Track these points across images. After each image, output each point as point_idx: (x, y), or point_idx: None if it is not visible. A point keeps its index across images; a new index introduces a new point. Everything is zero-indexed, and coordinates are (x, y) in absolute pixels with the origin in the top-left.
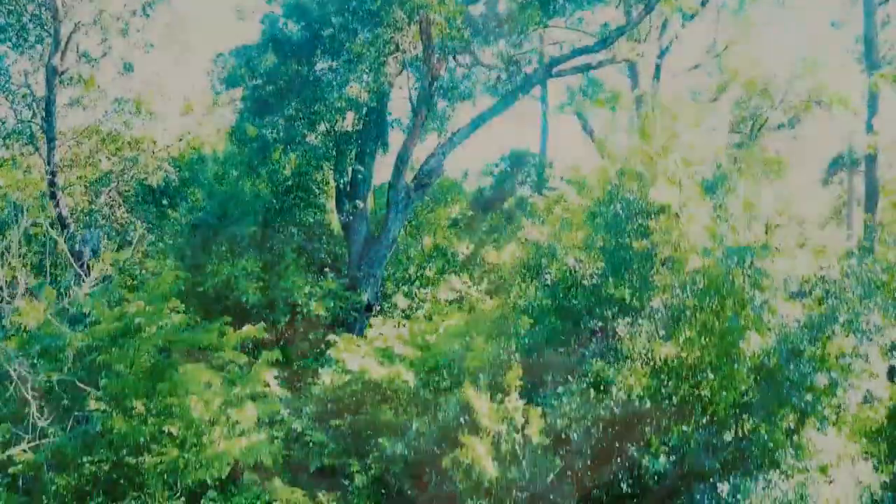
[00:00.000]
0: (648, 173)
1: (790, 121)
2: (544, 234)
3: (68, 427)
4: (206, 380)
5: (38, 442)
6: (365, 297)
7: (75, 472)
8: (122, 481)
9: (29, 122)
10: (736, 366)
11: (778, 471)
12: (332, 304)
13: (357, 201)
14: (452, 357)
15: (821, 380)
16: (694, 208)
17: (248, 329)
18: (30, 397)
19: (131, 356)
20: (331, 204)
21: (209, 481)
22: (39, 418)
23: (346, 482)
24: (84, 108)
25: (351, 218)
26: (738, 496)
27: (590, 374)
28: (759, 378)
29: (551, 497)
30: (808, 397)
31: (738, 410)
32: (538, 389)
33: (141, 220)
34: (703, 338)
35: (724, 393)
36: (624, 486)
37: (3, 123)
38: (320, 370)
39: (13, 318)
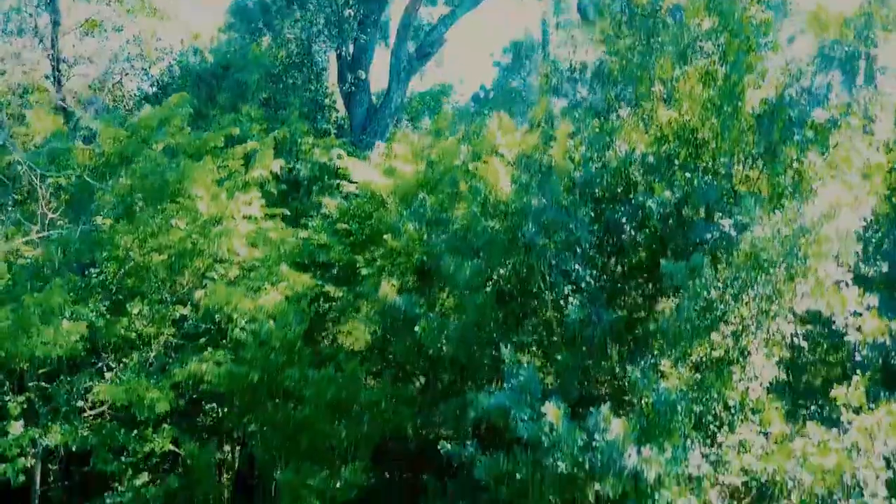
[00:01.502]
0: None
1: None
2: None
3: (77, 230)
4: (213, 176)
5: (46, 233)
6: None
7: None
8: (128, 281)
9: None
10: (735, 121)
11: (780, 212)
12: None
13: (359, 71)
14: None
15: (821, 115)
16: None
17: (251, 144)
18: (39, 188)
19: (139, 163)
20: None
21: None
22: (48, 212)
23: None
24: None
25: (353, 88)
26: (741, 229)
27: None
28: (759, 123)
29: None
30: (809, 133)
31: (738, 161)
32: None
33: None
34: (705, 88)
35: (724, 147)
36: (629, 228)
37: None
38: (325, 199)
39: (20, 130)
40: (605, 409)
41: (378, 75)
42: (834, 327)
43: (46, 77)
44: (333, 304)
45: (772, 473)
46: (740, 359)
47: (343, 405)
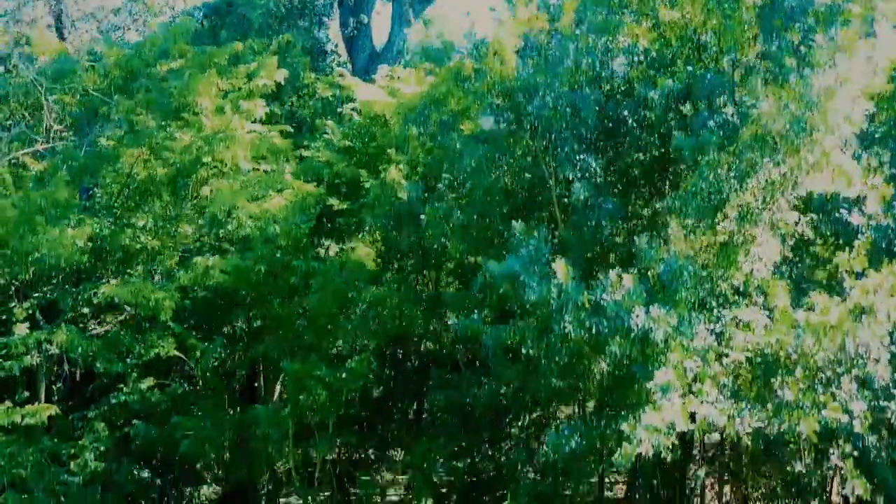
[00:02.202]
0: None
1: None
2: None
3: (83, 145)
4: (217, 90)
5: (51, 145)
6: None
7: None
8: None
9: None
10: (736, 14)
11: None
12: None
13: (361, 15)
14: None
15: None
16: None
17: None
18: (45, 101)
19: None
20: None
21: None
22: (53, 123)
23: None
24: None
25: (355, 33)
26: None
27: None
28: (761, 15)
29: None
30: (811, 21)
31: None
32: None
33: None
34: None
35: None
36: (631, 121)
37: None
38: (328, 122)
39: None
40: (612, 273)
41: (380, 22)
42: (838, 214)
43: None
44: (339, 219)
45: (775, 346)
46: (745, 243)
47: (349, 302)
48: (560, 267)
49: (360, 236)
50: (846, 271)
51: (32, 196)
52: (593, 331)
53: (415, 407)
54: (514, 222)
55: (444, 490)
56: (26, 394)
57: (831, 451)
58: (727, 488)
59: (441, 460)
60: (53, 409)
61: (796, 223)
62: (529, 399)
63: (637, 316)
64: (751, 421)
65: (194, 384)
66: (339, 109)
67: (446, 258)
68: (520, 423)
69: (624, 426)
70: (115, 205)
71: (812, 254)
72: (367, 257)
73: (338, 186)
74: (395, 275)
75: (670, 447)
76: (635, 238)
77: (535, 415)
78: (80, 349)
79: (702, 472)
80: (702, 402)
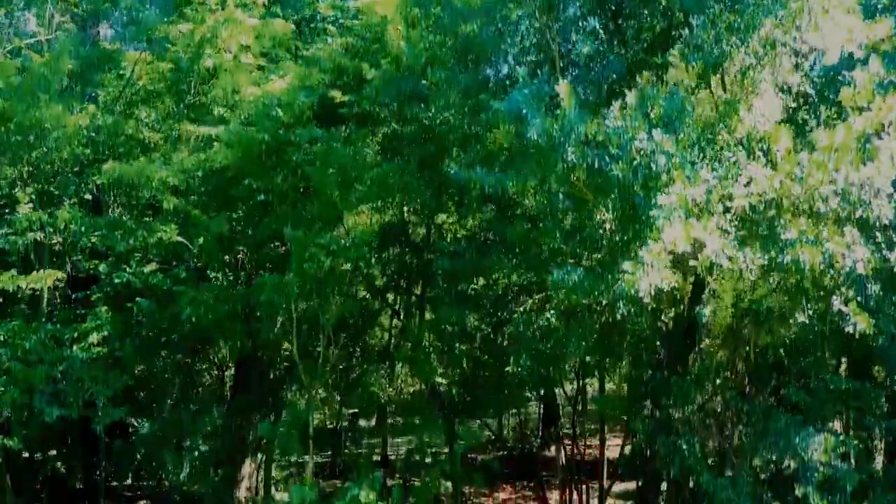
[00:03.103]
0: None
1: None
2: None
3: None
4: None
5: (53, 35)
6: None
7: None
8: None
9: None
10: None
11: None
12: None
13: None
14: None
15: None
16: None
17: None
18: None
19: None
20: None
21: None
22: (57, 14)
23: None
24: None
25: None
26: None
27: None
28: None
29: None
30: None
31: None
32: None
33: None
34: None
35: None
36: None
37: None
38: (328, 27)
39: None
40: (615, 105)
41: None
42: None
43: None
44: (341, 111)
45: (779, 190)
46: (747, 99)
47: (352, 181)
48: (563, 89)
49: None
50: (850, 108)
51: (35, 69)
52: (595, 164)
53: (418, 292)
54: (518, 67)
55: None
56: (29, 292)
57: (834, 298)
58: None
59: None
60: (57, 274)
61: (798, 84)
62: (533, 276)
63: (639, 141)
64: (754, 257)
65: (198, 269)
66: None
67: (450, 133)
68: (522, 309)
69: (626, 265)
70: (117, 109)
71: (814, 110)
72: (370, 145)
73: (340, 81)
74: (398, 159)
75: (674, 283)
76: (637, 79)
77: (536, 297)
78: (82, 228)
79: (707, 310)
80: (704, 228)
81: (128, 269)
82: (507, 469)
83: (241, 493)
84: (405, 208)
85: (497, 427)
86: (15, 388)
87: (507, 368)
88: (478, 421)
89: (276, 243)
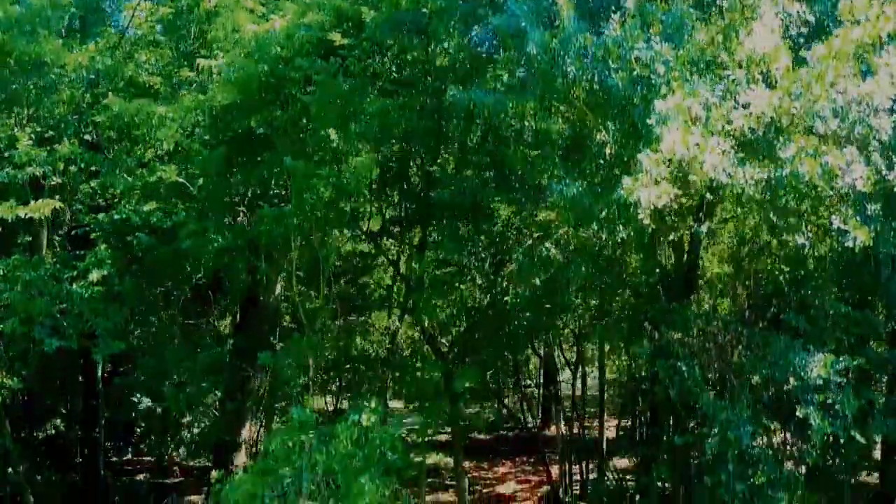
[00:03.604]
0: None
1: None
2: None
3: None
4: None
5: None
6: None
7: None
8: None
9: None
10: None
11: None
12: None
13: None
14: None
15: None
16: None
17: None
18: None
19: None
20: None
21: None
22: None
23: None
24: None
25: None
26: None
27: None
28: None
29: None
30: None
31: None
32: None
33: None
34: None
35: None
36: None
37: None
38: None
39: None
40: (614, 17)
41: None
42: None
43: None
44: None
45: (778, 109)
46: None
47: (351, 115)
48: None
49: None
50: (849, 21)
51: (36, 2)
52: (595, 78)
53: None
54: None
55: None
56: (28, 238)
57: (833, 217)
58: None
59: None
60: (56, 204)
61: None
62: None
63: (639, 50)
64: (754, 172)
65: (198, 206)
66: None
67: (449, 71)
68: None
69: (626, 179)
70: (118, 54)
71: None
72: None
73: (340, 28)
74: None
75: (671, 196)
76: None
77: (536, 234)
78: (82, 162)
79: (704, 228)
80: (703, 135)
81: (127, 206)
82: (507, 448)
83: (240, 459)
84: (406, 145)
85: (498, 407)
86: (14, 318)
87: (506, 302)
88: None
89: (276, 183)
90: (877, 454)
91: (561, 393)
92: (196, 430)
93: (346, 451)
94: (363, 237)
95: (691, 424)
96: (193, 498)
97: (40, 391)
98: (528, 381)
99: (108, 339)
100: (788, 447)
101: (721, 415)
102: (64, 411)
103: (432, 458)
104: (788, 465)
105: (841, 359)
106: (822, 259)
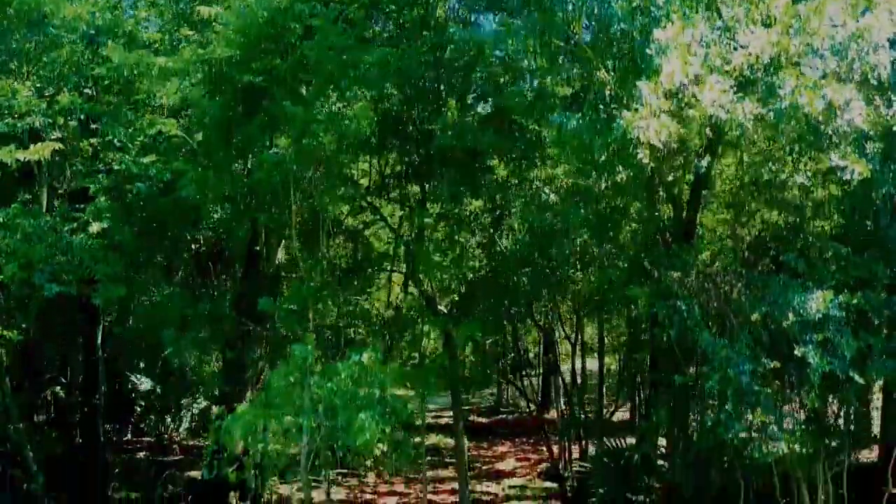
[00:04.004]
0: None
1: None
2: None
3: None
4: None
5: None
6: None
7: None
8: None
9: None
10: None
11: None
12: None
13: None
14: None
15: None
16: None
17: None
18: None
19: None
20: None
21: None
22: None
23: None
24: None
25: None
26: None
27: None
28: None
29: None
30: None
31: None
32: None
33: None
34: None
35: None
36: None
37: None
38: None
39: None
40: None
41: None
42: None
43: None
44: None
45: (776, 46)
46: None
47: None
48: None
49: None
50: None
51: None
52: (594, 11)
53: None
54: None
55: None
56: (27, 197)
57: (832, 154)
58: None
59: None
60: (56, 146)
61: None
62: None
63: None
64: (753, 107)
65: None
66: None
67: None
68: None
69: (625, 113)
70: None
71: None
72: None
73: None
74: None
75: (671, 131)
76: None
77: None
78: (81, 113)
79: (704, 163)
80: (702, 66)
81: (127, 157)
82: (506, 430)
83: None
84: (406, 97)
85: (497, 394)
86: (14, 262)
87: (505, 251)
88: None
89: (276, 133)
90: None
91: (562, 376)
92: (196, 409)
93: (347, 388)
94: (362, 194)
95: (691, 370)
96: (193, 473)
97: (39, 351)
98: (529, 367)
99: (107, 284)
100: (787, 390)
101: (721, 353)
102: (64, 380)
103: (432, 440)
104: (787, 409)
105: (840, 297)
106: (821, 205)
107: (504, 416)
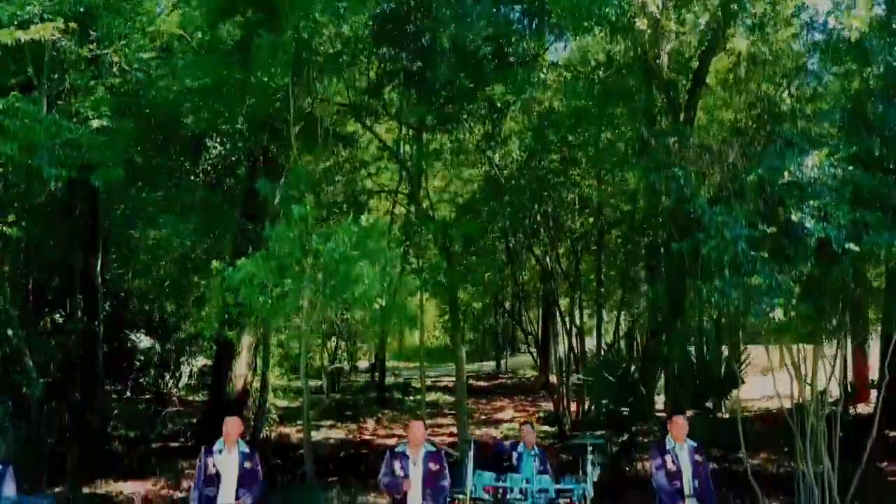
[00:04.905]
0: None
1: None
2: None
3: None
4: None
5: None
6: None
7: None
8: None
9: None
10: None
11: None
12: None
13: None
14: None
15: None
16: None
17: None
18: None
19: None
20: None
21: None
22: None
23: None
24: None
25: None
26: None
27: None
28: None
29: None
30: None
31: None
32: None
33: None
34: None
35: None
36: None
37: None
38: None
39: None
40: None
41: None
42: None
43: None
44: None
45: None
46: None
47: None
48: None
49: None
50: None
51: None
52: None
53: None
54: None
55: None
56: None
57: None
58: None
59: None
60: (58, 25)
61: None
62: None
63: None
64: None
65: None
66: None
67: None
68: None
69: None
70: None
71: None
72: None
73: None
74: None
75: None
76: None
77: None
78: (80, 8)
79: (702, 21)
80: None
81: (127, 50)
82: (505, 391)
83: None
84: None
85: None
86: (14, 142)
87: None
88: None
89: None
90: None
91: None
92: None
93: (346, 247)
94: (360, 92)
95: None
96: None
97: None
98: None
99: (107, 166)
100: (784, 260)
101: (717, 218)
102: (64, 312)
103: (432, 397)
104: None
105: (837, 156)
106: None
107: (503, 380)
